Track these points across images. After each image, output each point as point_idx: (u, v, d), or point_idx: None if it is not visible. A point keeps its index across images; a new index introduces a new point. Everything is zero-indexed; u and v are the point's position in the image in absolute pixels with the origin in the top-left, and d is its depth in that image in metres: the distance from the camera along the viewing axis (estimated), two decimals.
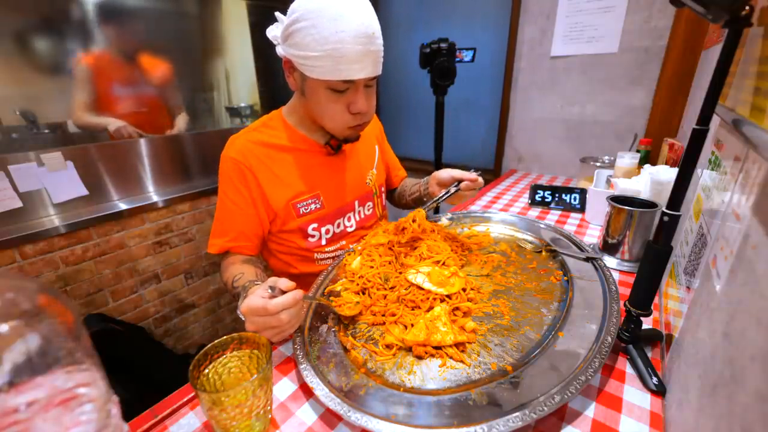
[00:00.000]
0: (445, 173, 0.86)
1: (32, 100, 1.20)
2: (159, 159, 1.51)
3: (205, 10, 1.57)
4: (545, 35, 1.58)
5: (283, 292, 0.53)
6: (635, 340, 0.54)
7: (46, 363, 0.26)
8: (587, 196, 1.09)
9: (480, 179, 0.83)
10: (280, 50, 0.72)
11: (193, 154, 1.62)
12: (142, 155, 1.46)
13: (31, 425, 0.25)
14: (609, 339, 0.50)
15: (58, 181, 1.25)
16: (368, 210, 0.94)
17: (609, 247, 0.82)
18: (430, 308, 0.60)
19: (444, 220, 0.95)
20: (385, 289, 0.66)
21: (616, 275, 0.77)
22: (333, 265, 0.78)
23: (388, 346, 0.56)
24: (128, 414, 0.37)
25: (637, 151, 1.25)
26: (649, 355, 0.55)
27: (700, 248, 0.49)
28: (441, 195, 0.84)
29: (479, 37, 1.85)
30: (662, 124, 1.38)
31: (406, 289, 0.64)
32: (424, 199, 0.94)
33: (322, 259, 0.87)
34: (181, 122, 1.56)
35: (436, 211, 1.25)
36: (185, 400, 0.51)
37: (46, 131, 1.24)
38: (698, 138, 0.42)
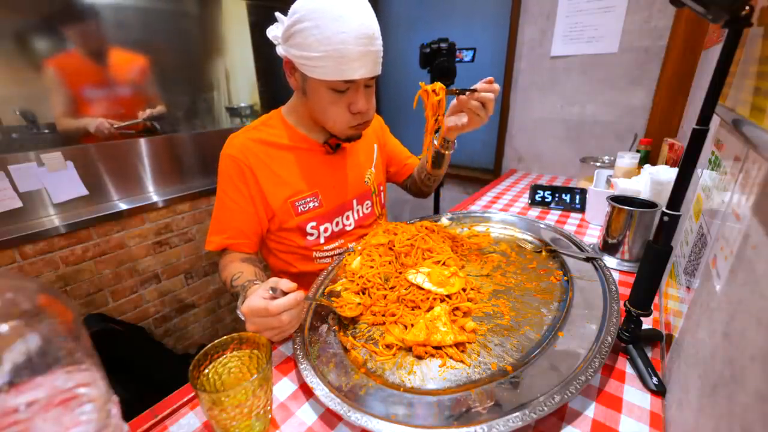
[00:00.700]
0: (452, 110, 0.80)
1: (32, 100, 1.20)
2: (159, 159, 1.51)
3: (205, 10, 1.57)
4: (545, 35, 1.58)
5: (285, 293, 0.53)
6: (635, 340, 0.54)
7: (46, 363, 0.26)
8: (587, 196, 1.09)
9: (495, 85, 0.74)
10: (280, 50, 0.72)
11: (193, 154, 1.62)
12: (142, 155, 1.46)
13: (31, 425, 0.25)
14: (609, 339, 0.50)
15: (58, 181, 1.25)
16: (367, 209, 0.94)
17: (609, 247, 0.82)
18: (430, 308, 0.60)
19: (444, 220, 0.95)
20: (385, 289, 0.66)
21: (616, 275, 0.77)
22: (333, 265, 0.78)
23: (388, 346, 0.56)
24: (128, 414, 0.37)
25: (637, 151, 1.25)
26: (649, 355, 0.55)
27: (700, 248, 0.49)
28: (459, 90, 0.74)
29: (479, 37, 1.85)
30: (662, 124, 1.38)
31: (406, 289, 0.64)
32: (442, 151, 0.87)
33: (321, 258, 0.87)
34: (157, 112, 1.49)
35: (436, 211, 1.25)
36: (185, 400, 0.51)
37: (46, 131, 1.24)
38: (698, 138, 0.42)
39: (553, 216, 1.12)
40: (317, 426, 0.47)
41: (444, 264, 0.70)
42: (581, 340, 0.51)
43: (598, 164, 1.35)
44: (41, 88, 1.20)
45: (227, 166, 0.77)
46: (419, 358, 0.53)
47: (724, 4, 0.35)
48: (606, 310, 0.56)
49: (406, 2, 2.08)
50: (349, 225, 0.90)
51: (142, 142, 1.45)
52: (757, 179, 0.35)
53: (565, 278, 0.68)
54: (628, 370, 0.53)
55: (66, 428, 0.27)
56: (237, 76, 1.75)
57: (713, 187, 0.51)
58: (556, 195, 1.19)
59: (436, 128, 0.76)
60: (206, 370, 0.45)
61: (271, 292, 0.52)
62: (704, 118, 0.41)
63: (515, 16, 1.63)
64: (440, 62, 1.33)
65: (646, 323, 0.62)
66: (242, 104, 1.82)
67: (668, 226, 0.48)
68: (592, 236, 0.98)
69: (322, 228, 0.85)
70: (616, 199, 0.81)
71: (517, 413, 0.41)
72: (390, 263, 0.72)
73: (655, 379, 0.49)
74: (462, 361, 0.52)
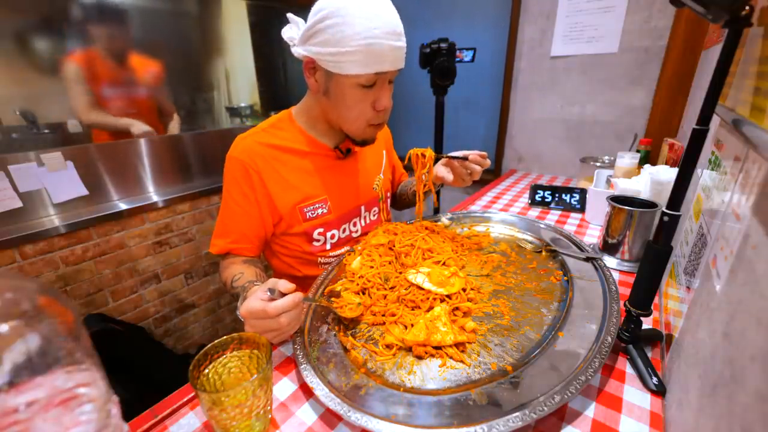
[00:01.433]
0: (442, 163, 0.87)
1: (32, 100, 1.20)
2: (159, 159, 1.51)
3: (205, 10, 1.57)
4: (545, 35, 1.58)
5: (283, 295, 0.53)
6: (635, 340, 0.54)
7: (46, 363, 0.26)
8: (587, 196, 1.09)
9: (487, 161, 0.83)
10: (299, 51, 0.70)
11: (193, 154, 1.62)
12: (142, 155, 1.46)
13: (31, 425, 0.25)
14: (609, 339, 0.50)
15: (58, 181, 1.25)
16: (374, 215, 0.93)
17: (609, 247, 0.82)
18: (430, 308, 0.60)
19: (444, 220, 0.95)
20: (385, 289, 0.66)
21: (616, 275, 0.77)
22: (333, 265, 0.78)
23: (388, 346, 0.55)
24: (128, 414, 0.37)
25: (637, 151, 1.25)
26: (649, 355, 0.55)
27: (700, 248, 0.49)
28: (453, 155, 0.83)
29: (479, 37, 1.85)
30: (662, 124, 1.38)
31: (406, 289, 0.64)
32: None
33: (325, 264, 0.86)
34: (176, 124, 1.57)
35: (436, 211, 1.25)
36: (185, 400, 0.51)
37: (46, 131, 1.24)
38: (698, 138, 0.42)
39: (553, 216, 1.12)
40: (317, 426, 0.47)
41: (444, 264, 0.70)
42: (581, 340, 0.51)
43: (598, 164, 1.35)
44: (41, 88, 1.20)
45: (234, 169, 0.76)
46: (419, 358, 0.53)
47: (724, 4, 0.35)
48: (606, 310, 0.56)
49: (406, 2, 2.08)
50: (356, 232, 0.89)
51: (142, 142, 1.45)
52: (757, 179, 0.35)
53: (565, 278, 0.68)
54: (628, 370, 0.53)
55: (66, 428, 0.27)
56: (237, 76, 1.75)
57: (713, 187, 0.51)
58: (556, 195, 1.19)
59: (425, 190, 0.86)
60: (206, 370, 0.45)
61: (269, 293, 0.52)
62: (704, 118, 0.41)
63: (515, 16, 1.63)
64: (440, 62, 1.33)
65: (646, 323, 0.62)
66: (242, 104, 1.82)
67: (668, 226, 0.48)
68: (592, 236, 0.98)
69: (329, 234, 0.84)
70: (616, 199, 0.81)
71: (517, 413, 0.41)
72: (390, 263, 0.72)
73: (655, 379, 0.49)
74: (462, 361, 0.52)
